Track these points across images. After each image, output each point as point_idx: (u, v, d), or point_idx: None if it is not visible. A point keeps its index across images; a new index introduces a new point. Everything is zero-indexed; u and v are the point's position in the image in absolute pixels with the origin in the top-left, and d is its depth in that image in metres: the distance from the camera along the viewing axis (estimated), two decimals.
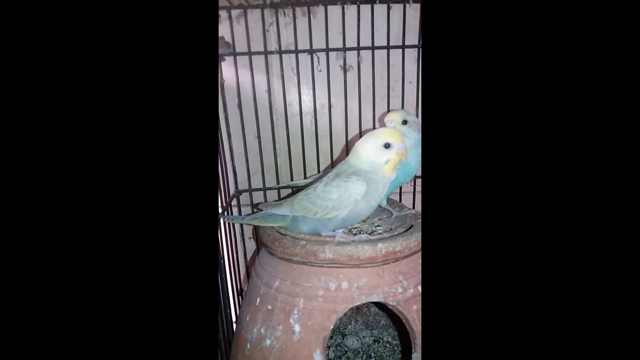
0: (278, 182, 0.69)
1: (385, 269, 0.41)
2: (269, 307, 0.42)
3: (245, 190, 0.69)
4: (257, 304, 0.44)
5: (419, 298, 0.41)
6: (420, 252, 0.44)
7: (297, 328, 0.40)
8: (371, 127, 0.69)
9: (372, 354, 0.58)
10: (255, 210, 0.67)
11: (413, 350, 0.40)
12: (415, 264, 0.43)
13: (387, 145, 0.43)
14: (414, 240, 0.43)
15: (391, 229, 0.47)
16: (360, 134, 0.69)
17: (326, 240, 0.42)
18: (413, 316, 0.40)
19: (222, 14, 0.62)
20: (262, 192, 0.69)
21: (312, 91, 0.66)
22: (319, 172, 0.70)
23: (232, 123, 0.65)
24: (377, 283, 0.40)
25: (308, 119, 0.69)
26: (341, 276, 0.40)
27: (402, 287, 0.41)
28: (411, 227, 0.47)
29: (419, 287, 0.42)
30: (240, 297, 0.70)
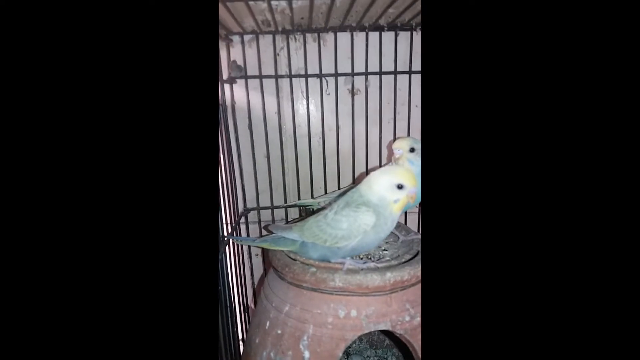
0: (286, 201, 0.71)
1: (393, 297, 0.42)
2: (279, 331, 0.44)
3: (253, 209, 0.70)
4: (266, 327, 0.46)
5: None
6: None
7: (306, 354, 0.41)
8: (377, 149, 0.71)
9: None
10: (264, 231, 0.69)
11: None
12: (420, 291, 0.45)
13: (400, 186, 0.44)
14: (419, 271, 0.44)
15: (398, 255, 0.49)
16: (367, 155, 0.71)
17: (336, 268, 0.43)
18: (420, 344, 0.41)
19: (235, 38, 0.64)
20: (269, 210, 0.70)
21: (320, 113, 0.68)
22: (325, 192, 0.72)
23: (243, 143, 0.67)
24: (385, 311, 0.42)
25: (316, 140, 0.71)
26: (350, 304, 0.42)
27: (409, 315, 0.42)
28: (417, 253, 0.48)
29: None
30: (247, 314, 0.71)
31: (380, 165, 0.72)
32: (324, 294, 0.43)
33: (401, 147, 0.56)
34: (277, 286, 0.48)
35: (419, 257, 0.47)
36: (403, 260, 0.47)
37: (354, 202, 0.46)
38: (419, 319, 0.42)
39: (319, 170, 0.71)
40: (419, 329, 0.42)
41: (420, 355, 0.41)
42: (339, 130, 0.69)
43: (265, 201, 0.70)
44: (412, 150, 0.53)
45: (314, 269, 0.43)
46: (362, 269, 0.43)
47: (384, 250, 0.56)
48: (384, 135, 0.70)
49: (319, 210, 0.61)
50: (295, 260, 0.47)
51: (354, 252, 0.45)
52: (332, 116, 0.69)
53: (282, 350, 0.42)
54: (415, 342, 0.41)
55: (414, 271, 0.43)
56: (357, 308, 0.41)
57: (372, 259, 0.54)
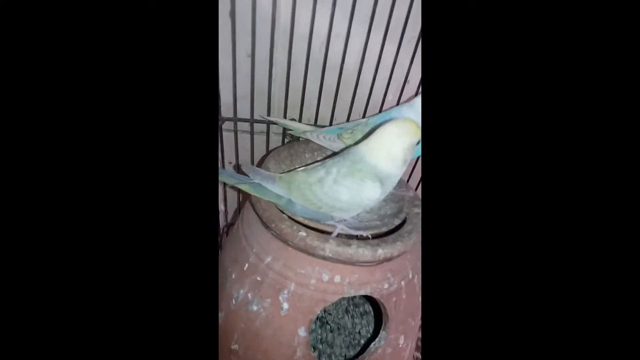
0: (269, 113, 0.60)
1: (377, 267, 0.42)
2: (258, 278, 0.43)
3: (229, 119, 0.59)
4: (244, 268, 0.45)
5: (400, 291, 0.45)
6: (412, 250, 0.45)
7: (285, 305, 0.42)
8: (388, 72, 0.59)
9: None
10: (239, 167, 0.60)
11: (382, 329, 0.46)
12: (404, 260, 0.45)
13: (418, 142, 0.40)
14: (411, 243, 0.43)
15: (387, 217, 0.47)
16: (374, 78, 0.59)
17: (327, 236, 0.41)
18: (390, 305, 0.44)
19: None
20: (248, 123, 0.60)
21: (330, 12, 0.52)
22: (317, 110, 0.62)
23: (222, 34, 0.50)
24: (367, 280, 0.42)
25: (317, 46, 0.56)
26: (335, 270, 0.41)
27: (388, 283, 0.43)
28: (405, 221, 0.47)
29: (402, 282, 0.45)
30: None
31: (386, 95, 0.62)
32: (309, 256, 0.41)
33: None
34: (259, 232, 0.45)
35: (408, 227, 0.46)
36: (392, 226, 0.46)
37: (358, 170, 0.40)
38: (395, 285, 0.44)
39: (314, 84, 0.59)
40: (393, 294, 0.44)
41: (389, 314, 0.45)
42: (349, 38, 0.54)
43: (244, 110, 0.59)
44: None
45: (303, 233, 0.40)
46: (354, 238, 0.41)
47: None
48: (400, 57, 0.58)
49: (305, 161, 0.54)
50: (283, 214, 0.43)
51: (348, 217, 0.42)
52: (344, 19, 0.53)
53: (261, 296, 0.43)
54: (387, 303, 0.44)
55: (404, 246, 0.42)
56: (342, 274, 0.41)
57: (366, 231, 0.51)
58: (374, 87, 0.61)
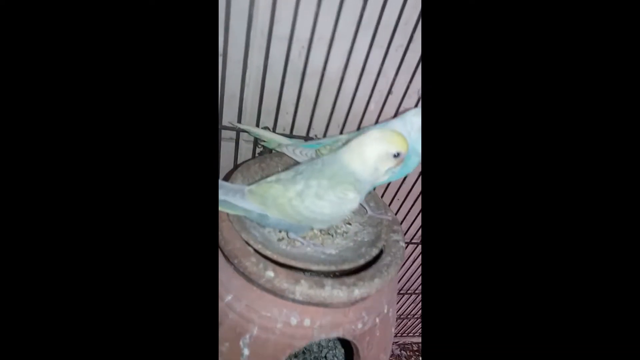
0: (239, 120, 0.54)
1: (352, 308, 0.39)
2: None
3: None
4: None
5: (374, 328, 0.42)
6: (387, 285, 0.42)
7: (246, 352, 0.37)
8: (372, 80, 0.54)
9: None
10: None
11: None
12: (380, 296, 0.42)
13: (397, 155, 0.38)
14: (389, 278, 0.39)
15: (362, 249, 0.43)
16: (357, 86, 0.54)
17: (297, 278, 0.36)
18: (363, 346, 0.41)
19: None
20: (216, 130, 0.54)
21: (313, 13, 0.46)
22: (294, 118, 0.56)
23: None
24: (340, 321, 0.38)
25: (297, 49, 0.50)
26: (305, 313, 0.37)
27: (362, 322, 0.40)
28: (382, 251, 0.43)
29: (377, 318, 0.42)
30: None
31: (368, 105, 0.57)
32: (277, 298, 0.36)
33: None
34: (219, 265, 0.40)
35: (387, 256, 0.42)
36: (369, 257, 0.42)
37: (339, 183, 0.38)
38: (370, 324, 0.41)
39: (292, 90, 0.53)
40: (367, 334, 0.41)
41: (361, 355, 0.41)
42: (333, 42, 0.49)
43: None
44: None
45: (271, 274, 0.35)
46: (328, 276, 0.37)
47: (348, 224, 0.50)
48: (386, 66, 0.53)
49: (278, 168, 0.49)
50: (248, 248, 0.38)
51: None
52: (329, 22, 0.47)
53: (219, 337, 0.38)
54: (361, 345, 0.41)
55: (382, 283, 0.38)
56: (312, 317, 0.37)
57: (334, 234, 0.47)
58: (356, 96, 0.56)
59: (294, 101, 0.54)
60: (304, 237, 0.44)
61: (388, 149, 0.38)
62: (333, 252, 0.43)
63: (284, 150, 0.51)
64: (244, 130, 0.55)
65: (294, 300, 0.36)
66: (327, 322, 0.37)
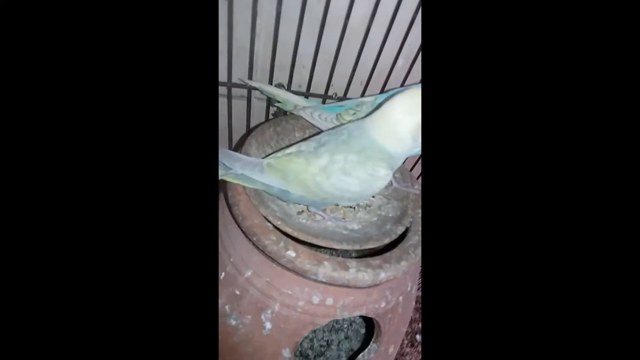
0: (250, 77, 0.48)
1: (376, 288, 0.37)
2: (237, 292, 0.37)
3: None
4: (221, 276, 0.38)
5: (397, 306, 0.40)
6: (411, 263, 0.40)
7: (268, 325, 0.36)
8: (404, 30, 0.47)
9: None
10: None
11: (373, 341, 0.42)
12: (405, 276, 0.40)
13: None
14: (417, 259, 0.37)
15: (387, 227, 0.40)
16: (385, 38, 0.47)
17: (320, 259, 0.33)
18: (385, 322, 0.40)
19: None
20: (225, 87, 0.48)
21: None
22: (311, 74, 0.50)
23: None
24: (363, 301, 0.37)
25: None
26: (328, 292, 0.35)
27: (385, 301, 0.38)
28: (408, 229, 0.40)
29: (400, 297, 0.40)
30: None
31: (396, 61, 0.50)
32: (298, 277, 0.35)
33: None
34: (238, 240, 0.37)
35: (413, 235, 0.39)
36: (394, 236, 0.39)
37: (369, 158, 0.35)
38: (393, 302, 0.39)
39: (309, 42, 0.47)
40: (389, 311, 0.40)
41: (382, 330, 0.41)
42: None
43: (220, 71, 0.47)
44: None
45: (292, 254, 0.33)
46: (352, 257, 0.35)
47: (372, 196, 0.46)
48: (418, 17, 0.45)
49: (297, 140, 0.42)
50: (267, 224, 0.35)
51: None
52: None
53: (240, 311, 0.37)
54: (383, 322, 0.40)
55: (408, 265, 0.36)
56: (335, 297, 0.35)
57: (356, 208, 0.44)
58: (382, 50, 0.49)
59: (312, 55, 0.48)
60: (324, 210, 0.41)
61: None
62: (356, 227, 0.40)
63: (300, 113, 0.46)
64: (255, 88, 0.49)
65: (317, 281, 0.34)
66: (350, 302, 0.36)
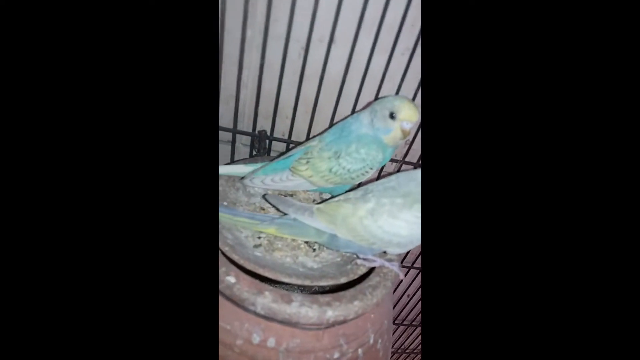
0: (235, 125, 0.52)
1: (327, 332, 0.33)
2: None
3: None
4: None
5: None
6: (373, 311, 0.36)
7: None
8: (377, 83, 0.51)
9: None
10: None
11: None
12: (364, 322, 0.36)
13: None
14: (374, 302, 0.34)
15: (347, 266, 0.38)
16: (360, 88, 0.51)
17: (261, 288, 0.31)
18: None
19: None
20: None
21: (311, 12, 0.44)
22: (292, 122, 0.54)
23: None
24: (312, 347, 0.33)
25: (296, 50, 0.48)
26: (270, 331, 0.32)
27: (339, 352, 0.34)
28: (371, 271, 0.38)
29: (360, 349, 0.36)
30: None
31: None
32: (238, 308, 0.32)
33: (413, 119, 0.40)
34: None
35: (376, 276, 0.37)
36: (353, 276, 0.36)
37: (416, 201, 0.35)
38: (350, 355, 0.35)
39: (289, 92, 0.51)
40: None
41: None
42: (332, 44, 0.46)
43: None
44: None
45: (232, 279, 0.31)
46: (297, 291, 0.32)
47: None
48: (391, 69, 0.49)
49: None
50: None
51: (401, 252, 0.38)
52: (327, 22, 0.45)
53: None
54: None
55: (363, 307, 0.33)
56: (277, 337, 0.32)
57: (318, 247, 0.42)
58: (359, 99, 0.52)
59: (292, 104, 0.52)
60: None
61: None
62: (315, 266, 0.38)
63: (250, 184, 0.44)
64: (244, 133, 0.52)
65: (256, 314, 0.31)
66: (295, 346, 0.32)
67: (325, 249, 0.41)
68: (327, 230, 0.36)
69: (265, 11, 0.44)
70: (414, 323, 0.97)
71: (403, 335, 1.02)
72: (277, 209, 0.40)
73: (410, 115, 0.40)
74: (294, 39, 0.46)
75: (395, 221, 0.34)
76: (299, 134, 0.56)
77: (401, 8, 0.45)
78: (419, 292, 0.87)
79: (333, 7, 0.44)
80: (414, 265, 0.79)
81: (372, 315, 0.37)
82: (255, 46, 0.48)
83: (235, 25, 0.44)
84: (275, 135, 0.55)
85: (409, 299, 0.90)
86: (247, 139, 0.56)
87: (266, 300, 0.30)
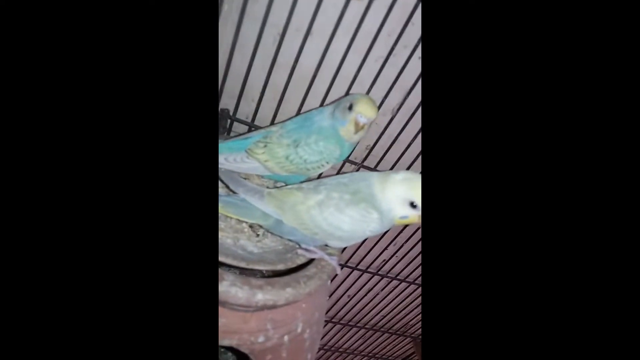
0: None
1: (254, 315, 0.34)
2: None
3: None
4: None
5: (279, 347, 0.36)
6: (307, 297, 0.37)
7: None
8: (346, 86, 0.52)
9: None
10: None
11: None
12: (294, 310, 0.37)
13: (413, 205, 0.35)
14: (307, 291, 0.35)
15: (287, 255, 0.38)
16: (329, 88, 0.52)
17: None
18: None
19: None
20: None
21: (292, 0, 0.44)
22: (257, 107, 0.53)
23: None
24: (237, 328, 0.33)
25: (272, 35, 0.48)
26: None
27: (265, 336, 0.34)
28: (310, 262, 0.39)
29: (286, 337, 0.36)
30: None
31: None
32: None
33: (369, 114, 0.41)
34: None
35: (313, 267, 0.37)
36: (291, 264, 0.37)
37: (363, 200, 0.36)
38: (275, 341, 0.35)
39: (259, 78, 0.50)
40: (269, 351, 0.35)
41: None
42: (309, 36, 0.47)
43: None
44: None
45: None
46: (230, 270, 0.33)
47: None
48: (363, 74, 0.51)
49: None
50: None
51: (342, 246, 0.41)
52: (307, 12, 0.45)
53: None
54: None
55: (295, 295, 0.34)
56: None
57: (262, 234, 0.43)
58: (326, 98, 0.53)
59: (260, 89, 0.51)
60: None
61: (406, 194, 0.35)
62: (255, 250, 0.38)
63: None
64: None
65: None
66: (221, 325, 0.32)
67: (269, 236, 0.42)
68: (274, 215, 0.37)
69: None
70: (350, 323, 1.00)
71: (338, 334, 1.05)
72: (227, 187, 0.39)
73: (366, 109, 0.41)
74: (270, 23, 0.46)
75: (340, 215, 0.36)
76: (262, 119, 0.55)
77: (380, 17, 0.46)
78: (359, 293, 0.90)
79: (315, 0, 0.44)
80: (358, 267, 0.81)
81: (304, 305, 0.38)
82: (231, 21, 0.47)
83: None
84: (238, 116, 0.55)
85: (349, 299, 0.92)
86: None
87: None
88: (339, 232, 0.36)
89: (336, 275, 0.49)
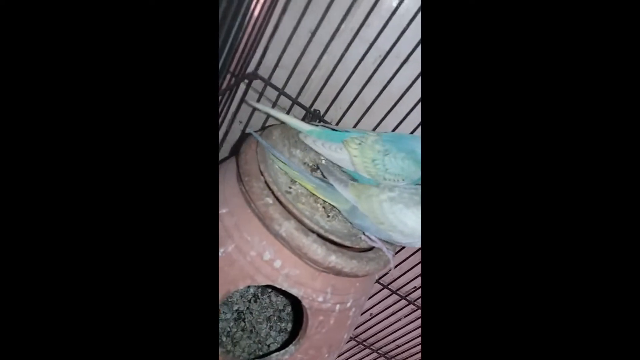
0: (298, 96, 0.59)
1: (321, 275, 0.39)
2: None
3: (256, 76, 0.57)
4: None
5: (330, 313, 0.41)
6: (362, 278, 0.42)
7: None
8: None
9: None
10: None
11: (293, 343, 0.42)
12: (350, 283, 0.42)
13: None
14: (366, 270, 0.40)
15: (352, 238, 0.44)
16: (408, 114, 0.58)
17: (289, 216, 0.38)
18: (314, 323, 0.40)
19: None
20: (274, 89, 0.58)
21: (406, 23, 0.51)
22: (343, 116, 0.60)
23: None
24: (305, 281, 0.38)
25: (374, 55, 0.56)
26: (280, 253, 0.38)
27: (323, 297, 0.40)
28: (370, 249, 0.44)
29: (338, 305, 0.41)
30: None
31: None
32: (263, 227, 0.38)
33: None
34: (229, 183, 0.42)
35: (375, 252, 0.43)
36: (356, 245, 0.42)
37: None
38: (329, 305, 0.40)
39: (352, 90, 0.58)
40: (321, 313, 0.40)
41: (306, 330, 0.41)
42: (407, 62, 0.54)
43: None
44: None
45: (269, 200, 0.37)
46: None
47: None
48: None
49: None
50: (262, 175, 0.40)
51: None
52: (412, 39, 0.53)
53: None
54: (312, 321, 0.40)
55: (358, 268, 0.39)
56: (284, 262, 0.38)
57: (331, 215, 0.49)
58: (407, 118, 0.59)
59: (350, 101, 0.59)
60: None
61: None
62: (326, 226, 0.44)
63: (304, 139, 0.50)
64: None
65: (276, 235, 0.37)
66: (294, 275, 0.38)
67: (337, 219, 0.48)
68: (352, 202, 0.43)
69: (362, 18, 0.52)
70: (364, 343, 1.01)
71: (350, 351, 1.05)
72: (323, 175, 0.47)
73: None
74: (376, 47, 0.54)
75: (407, 211, 0.40)
76: (343, 126, 0.63)
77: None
78: (382, 314, 0.92)
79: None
80: (389, 287, 0.84)
81: (357, 284, 0.43)
82: (342, 40, 0.56)
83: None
84: (325, 118, 0.63)
85: (371, 317, 0.94)
86: (300, 112, 0.63)
87: (290, 225, 0.36)
88: (402, 226, 0.41)
89: (386, 273, 0.53)
